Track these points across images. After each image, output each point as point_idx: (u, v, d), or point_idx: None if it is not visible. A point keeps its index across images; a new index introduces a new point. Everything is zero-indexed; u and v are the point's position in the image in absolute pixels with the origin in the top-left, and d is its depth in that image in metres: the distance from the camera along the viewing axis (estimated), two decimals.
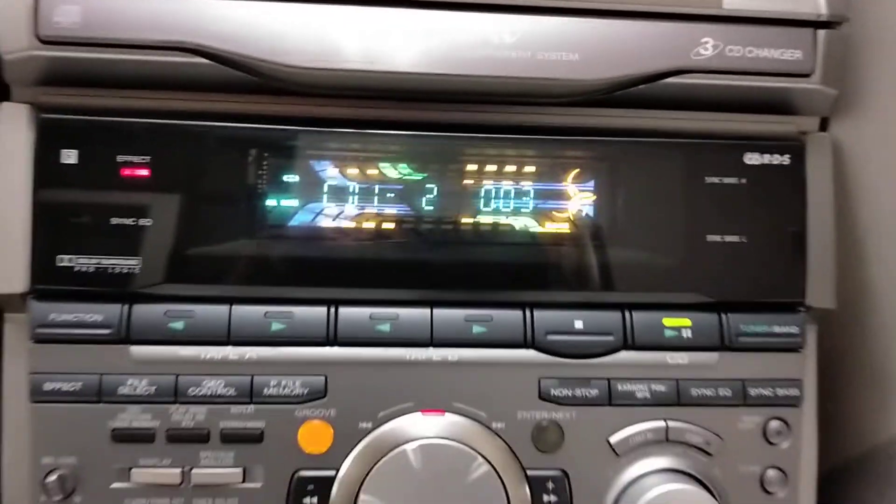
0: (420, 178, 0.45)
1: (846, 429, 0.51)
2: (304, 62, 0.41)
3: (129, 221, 0.42)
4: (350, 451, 0.43)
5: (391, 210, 0.44)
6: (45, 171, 0.42)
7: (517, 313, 0.45)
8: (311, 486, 0.43)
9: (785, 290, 0.46)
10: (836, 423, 0.51)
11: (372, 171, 0.44)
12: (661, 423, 0.45)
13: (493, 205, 0.45)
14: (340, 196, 0.44)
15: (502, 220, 0.45)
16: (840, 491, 0.50)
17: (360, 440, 0.43)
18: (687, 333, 0.45)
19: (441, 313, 0.45)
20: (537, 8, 0.43)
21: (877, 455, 0.49)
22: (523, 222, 0.45)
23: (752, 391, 0.46)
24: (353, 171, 0.44)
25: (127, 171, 0.42)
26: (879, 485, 0.48)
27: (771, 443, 0.46)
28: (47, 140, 0.42)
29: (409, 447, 0.42)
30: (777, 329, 0.46)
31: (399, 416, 0.44)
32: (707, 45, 0.44)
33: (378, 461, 0.42)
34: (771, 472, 0.46)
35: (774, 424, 0.46)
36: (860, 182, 0.49)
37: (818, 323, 0.48)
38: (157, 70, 0.42)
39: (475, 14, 0.43)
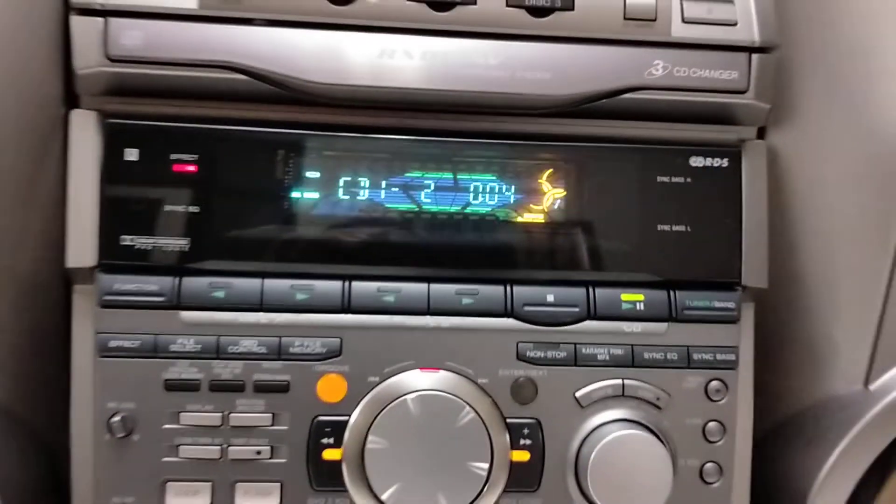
0: (420, 174, 0.50)
1: (781, 393, 0.56)
2: (324, 79, 0.47)
3: (179, 208, 0.47)
4: (360, 400, 0.48)
5: (395, 201, 0.49)
6: (111, 166, 0.47)
7: (499, 288, 0.50)
8: (328, 429, 0.48)
9: (723, 271, 0.51)
10: (773, 389, 0.56)
11: (379, 169, 0.49)
12: (619, 381, 0.50)
13: (480, 198, 0.50)
14: (353, 189, 0.49)
15: (488, 210, 0.50)
16: (777, 445, 0.56)
17: (368, 391, 0.48)
18: (640, 307, 0.50)
19: (436, 287, 0.49)
20: (516, 35, 0.48)
21: (806, 415, 0.55)
22: (505, 213, 0.50)
23: (696, 356, 0.51)
24: (363, 168, 0.49)
25: (178, 167, 0.47)
26: (808, 439, 0.53)
27: (712, 399, 0.51)
28: (112, 141, 0.47)
29: (409, 397, 0.47)
30: (717, 304, 0.51)
31: (401, 371, 0.49)
32: (658, 66, 0.49)
33: (383, 408, 0.47)
34: (712, 424, 0.51)
35: (714, 384, 0.51)
36: (793, 182, 0.54)
37: (754, 301, 0.53)
38: (204, 84, 0.47)
39: (465, 40, 0.48)
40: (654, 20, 0.49)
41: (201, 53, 0.47)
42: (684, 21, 0.49)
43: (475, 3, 0.48)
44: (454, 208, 0.50)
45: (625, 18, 0.49)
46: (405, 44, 0.48)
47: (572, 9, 0.48)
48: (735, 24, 0.50)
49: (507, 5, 0.48)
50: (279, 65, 0.47)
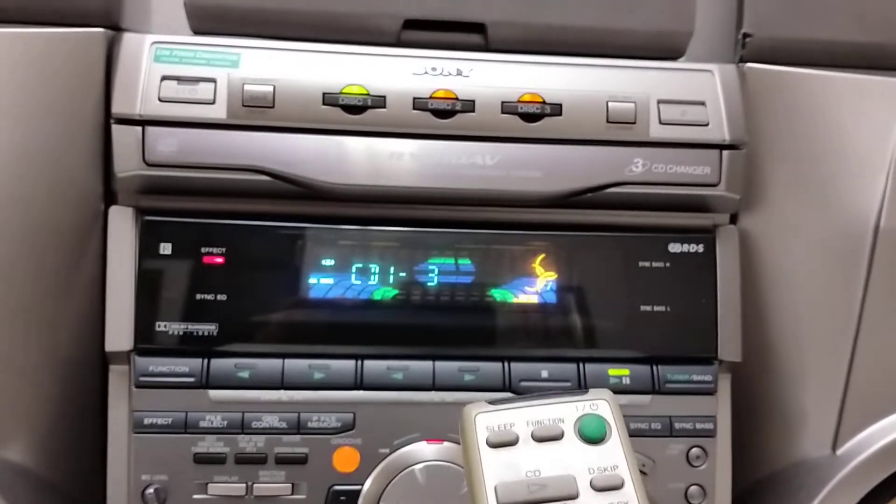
0: (424, 261, 0.53)
1: (757, 455, 0.59)
2: (339, 179, 0.50)
3: (208, 297, 0.51)
4: (372, 471, 0.51)
5: (402, 286, 0.53)
6: (146, 259, 0.50)
7: (498, 365, 0.53)
8: (342, 498, 0.50)
9: (701, 347, 0.54)
10: (750, 451, 0.59)
11: (388, 257, 0.53)
12: None
13: (479, 281, 0.53)
14: (364, 276, 0.52)
15: (486, 293, 0.53)
16: None
17: (379, 462, 0.51)
18: (626, 381, 0.53)
19: (441, 365, 0.52)
20: (510, 138, 0.52)
21: (779, 477, 0.58)
22: (502, 295, 0.53)
23: (677, 425, 0.54)
24: (373, 256, 0.52)
25: (207, 259, 0.51)
26: (782, 498, 0.57)
27: (692, 465, 0.54)
28: (148, 236, 0.51)
29: (416, 468, 0.50)
30: (695, 377, 0.54)
31: (409, 443, 0.51)
32: (638, 163, 0.53)
33: (393, 478, 0.50)
34: (693, 488, 0.54)
35: (695, 451, 0.54)
36: (763, 262, 0.57)
37: (730, 372, 0.56)
38: (231, 184, 0.50)
39: (465, 143, 0.52)
40: (634, 122, 0.53)
41: (229, 158, 0.50)
42: (661, 122, 0.53)
43: (474, 112, 0.52)
44: (456, 291, 0.53)
45: (607, 122, 0.53)
46: (411, 147, 0.51)
47: (560, 114, 0.52)
48: (707, 125, 0.54)
49: (502, 112, 0.52)
50: (298, 167, 0.51)
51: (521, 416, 0.37)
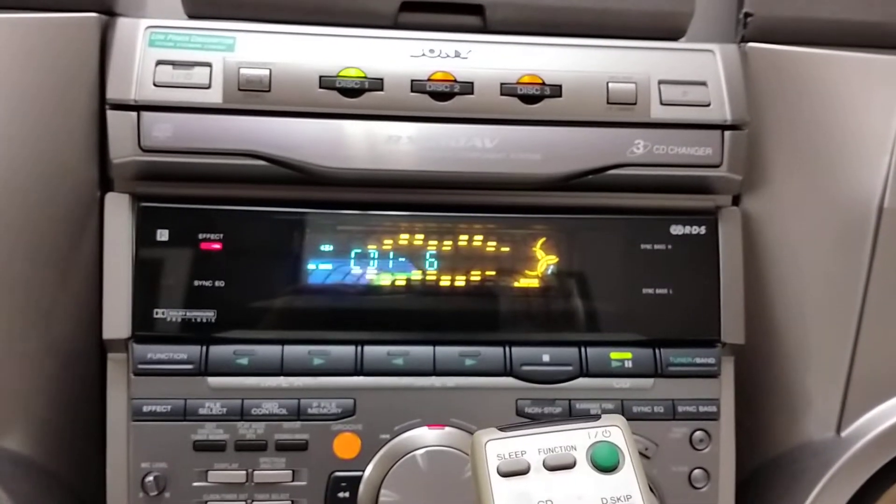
0: (423, 246, 0.53)
1: (762, 438, 0.59)
2: (336, 164, 0.50)
3: (206, 283, 0.50)
4: (373, 457, 0.51)
5: (402, 271, 0.52)
6: (144, 245, 0.50)
7: (499, 349, 0.53)
8: (343, 484, 0.50)
9: (704, 329, 0.54)
10: (755, 434, 0.59)
11: (387, 242, 0.52)
12: None
13: (479, 265, 0.53)
14: (364, 261, 0.52)
15: (487, 277, 0.53)
16: (758, 488, 0.59)
17: (380, 448, 0.51)
18: (628, 364, 0.53)
19: (441, 350, 0.52)
20: (510, 120, 0.52)
21: (784, 460, 0.58)
22: (503, 279, 0.53)
23: (680, 408, 0.53)
24: (372, 241, 0.52)
25: (205, 245, 0.50)
26: (786, 483, 0.56)
27: (696, 448, 0.54)
28: (145, 223, 0.50)
29: (417, 453, 0.50)
30: (698, 360, 0.54)
31: (410, 429, 0.51)
32: (639, 145, 0.52)
33: (394, 464, 0.50)
34: (697, 472, 0.54)
35: (698, 434, 0.54)
36: (766, 243, 0.57)
37: (734, 355, 0.55)
38: (227, 169, 0.50)
39: (464, 126, 0.51)
40: (635, 104, 0.52)
41: (225, 143, 0.50)
42: (662, 103, 0.53)
43: (472, 94, 0.51)
44: (456, 275, 0.53)
45: (608, 103, 0.52)
46: (409, 130, 0.51)
47: (560, 96, 0.52)
48: (708, 105, 0.53)
49: (501, 94, 0.52)
50: (295, 152, 0.50)
51: (533, 444, 0.37)
